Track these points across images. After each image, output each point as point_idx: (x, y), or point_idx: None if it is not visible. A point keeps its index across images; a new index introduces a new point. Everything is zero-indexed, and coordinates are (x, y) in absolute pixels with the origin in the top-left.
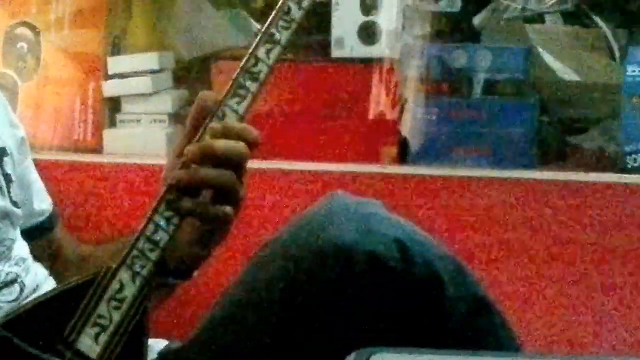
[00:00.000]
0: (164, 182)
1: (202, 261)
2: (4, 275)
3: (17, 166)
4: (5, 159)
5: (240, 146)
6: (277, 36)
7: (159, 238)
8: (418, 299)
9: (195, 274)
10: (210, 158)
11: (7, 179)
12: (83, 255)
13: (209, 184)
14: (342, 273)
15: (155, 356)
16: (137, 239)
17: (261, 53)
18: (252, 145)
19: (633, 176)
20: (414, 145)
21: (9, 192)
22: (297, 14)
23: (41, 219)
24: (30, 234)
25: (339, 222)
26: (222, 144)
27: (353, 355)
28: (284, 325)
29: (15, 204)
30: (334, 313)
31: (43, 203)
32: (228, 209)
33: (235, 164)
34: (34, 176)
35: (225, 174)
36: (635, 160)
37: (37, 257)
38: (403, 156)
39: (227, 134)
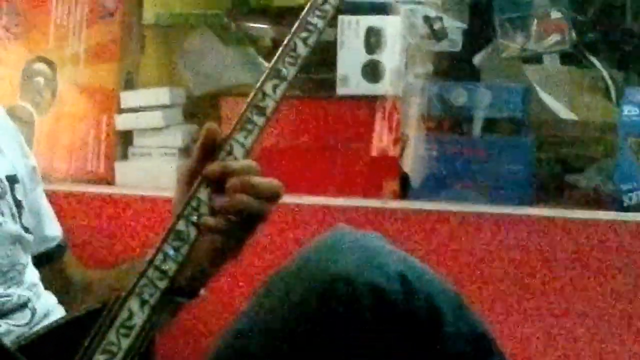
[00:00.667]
0: (173, 212)
1: (210, 279)
2: (16, 298)
3: (28, 193)
4: (17, 185)
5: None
6: (284, 72)
7: (167, 267)
8: (418, 332)
9: (202, 292)
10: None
11: (19, 205)
12: (90, 281)
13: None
14: (344, 305)
15: None
16: (146, 268)
17: (268, 88)
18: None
19: (629, 214)
20: (415, 180)
21: (20, 218)
22: (303, 50)
23: (51, 245)
24: (40, 260)
25: (342, 254)
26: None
27: None
28: (289, 356)
29: (26, 229)
30: (337, 344)
31: (53, 230)
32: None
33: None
34: (44, 204)
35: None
36: (630, 199)
37: (45, 283)
38: (404, 191)
39: (245, 187)
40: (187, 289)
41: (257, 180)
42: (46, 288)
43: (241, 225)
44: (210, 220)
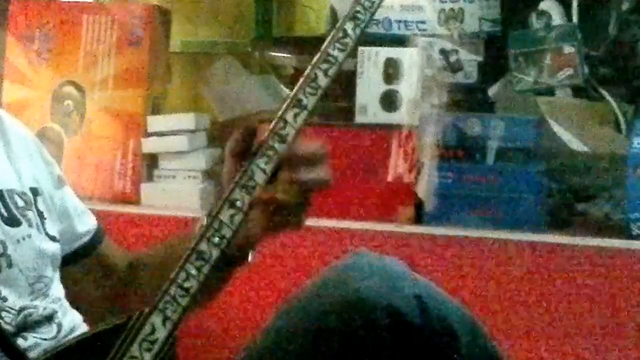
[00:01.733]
0: (195, 232)
1: (259, 244)
2: (41, 310)
3: (55, 200)
4: (38, 197)
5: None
6: (304, 101)
7: (189, 285)
8: (433, 355)
9: (250, 258)
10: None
11: (41, 216)
12: (133, 264)
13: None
14: (362, 326)
15: None
16: (169, 286)
17: (289, 116)
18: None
19: (638, 242)
20: (429, 206)
21: (44, 228)
22: (323, 81)
23: (86, 238)
24: (77, 255)
25: (362, 278)
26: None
27: None
28: None
29: (52, 238)
30: None
31: (85, 225)
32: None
33: None
34: (73, 203)
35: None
36: (639, 227)
37: (87, 276)
38: (418, 216)
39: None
40: (237, 254)
41: (308, 174)
42: (91, 280)
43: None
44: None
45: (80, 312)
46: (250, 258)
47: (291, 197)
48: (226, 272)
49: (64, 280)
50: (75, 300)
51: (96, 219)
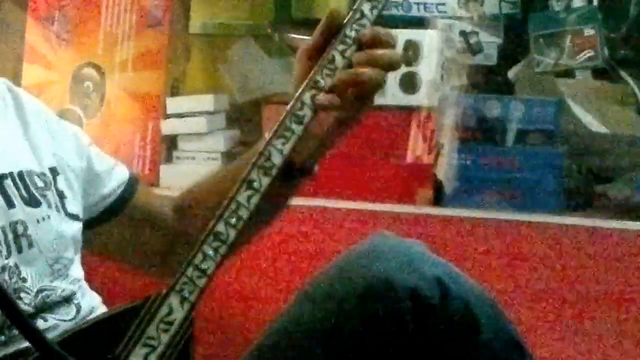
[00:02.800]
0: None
1: (325, 154)
2: (60, 291)
3: (80, 171)
4: (58, 177)
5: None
6: (321, 82)
7: (206, 266)
8: (454, 336)
9: (316, 168)
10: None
11: (61, 195)
12: (180, 205)
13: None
14: (384, 307)
15: None
16: (186, 267)
17: (306, 98)
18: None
19: None
20: (448, 188)
21: (64, 208)
22: (340, 62)
23: (118, 192)
24: (111, 211)
25: (384, 259)
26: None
27: None
28: (330, 355)
29: (73, 216)
30: (376, 346)
31: (114, 180)
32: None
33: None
34: (99, 163)
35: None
36: None
37: (130, 226)
38: (437, 198)
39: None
40: (303, 166)
41: (381, 52)
42: (133, 231)
43: (358, 97)
44: (324, 99)
45: (134, 267)
46: (316, 168)
47: (379, 77)
48: (292, 186)
49: (106, 241)
50: (122, 259)
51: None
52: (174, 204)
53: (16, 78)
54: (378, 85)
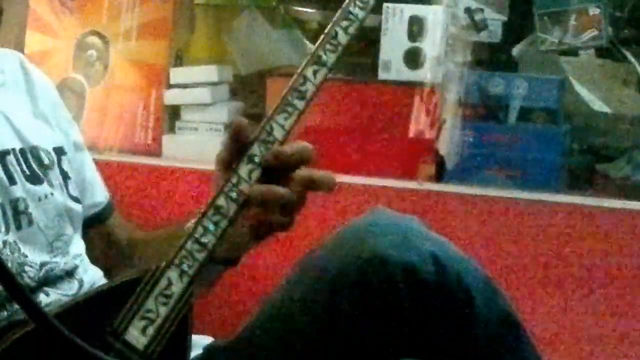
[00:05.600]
0: (214, 188)
1: (250, 249)
2: (62, 265)
3: (72, 163)
4: (63, 157)
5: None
6: (324, 58)
7: (206, 240)
8: (449, 311)
9: (242, 259)
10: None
11: (65, 176)
12: (135, 241)
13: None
14: (380, 281)
15: (201, 350)
16: (186, 240)
17: (309, 73)
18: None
19: None
20: (450, 164)
21: (67, 188)
22: (343, 38)
23: (95, 210)
24: (84, 224)
25: (380, 234)
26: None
27: None
28: (324, 330)
29: (74, 198)
30: (372, 319)
31: (97, 196)
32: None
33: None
34: (89, 172)
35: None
36: None
37: (93, 245)
38: (439, 174)
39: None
40: (227, 257)
41: (318, 175)
42: (93, 249)
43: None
44: (249, 190)
45: None
46: (241, 260)
47: (298, 197)
48: (214, 274)
49: None
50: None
51: (107, 194)
52: (130, 237)
53: (19, 45)
54: (300, 204)
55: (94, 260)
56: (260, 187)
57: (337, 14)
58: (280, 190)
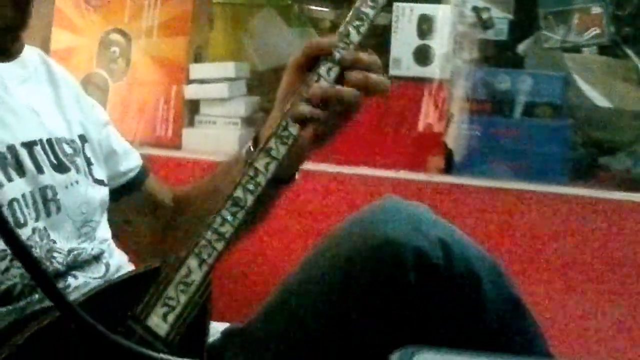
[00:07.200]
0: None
1: (303, 163)
2: (89, 250)
3: (102, 142)
4: (86, 144)
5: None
6: (337, 57)
7: (224, 230)
8: (457, 295)
9: (297, 176)
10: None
11: (88, 162)
12: (178, 198)
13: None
14: (390, 266)
15: (219, 335)
16: (205, 231)
17: (322, 71)
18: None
19: None
20: (458, 156)
21: (91, 173)
22: (355, 37)
23: (131, 175)
24: (122, 190)
25: (391, 221)
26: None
27: (397, 353)
28: (336, 313)
29: (99, 182)
30: (383, 302)
31: (130, 162)
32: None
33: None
34: (118, 143)
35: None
36: None
37: (135, 210)
38: (448, 167)
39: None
40: (284, 175)
41: (374, 78)
42: (136, 214)
43: (340, 114)
44: (308, 111)
45: (129, 248)
46: (297, 177)
47: (355, 98)
48: (274, 193)
49: (113, 216)
50: (123, 235)
51: (141, 158)
52: (175, 196)
53: (46, 42)
54: (358, 106)
55: (140, 227)
56: (320, 85)
57: (350, 14)
58: (342, 89)
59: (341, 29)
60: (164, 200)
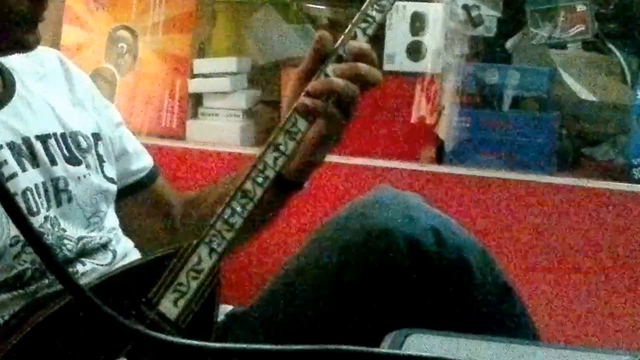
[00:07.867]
0: (290, 92)
1: (314, 169)
2: (97, 239)
3: (114, 141)
4: (99, 142)
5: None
6: (345, 57)
7: (234, 221)
8: (449, 280)
9: (306, 184)
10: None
11: (100, 159)
12: (186, 200)
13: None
14: (384, 253)
15: (223, 317)
16: (215, 221)
17: (329, 70)
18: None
19: (638, 186)
20: (449, 147)
21: (102, 170)
22: (362, 39)
23: (141, 174)
24: (132, 189)
25: (385, 209)
26: (341, 83)
27: (391, 335)
28: (334, 297)
29: (109, 179)
30: (377, 288)
31: (140, 162)
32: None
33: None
34: (129, 142)
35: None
36: None
37: (143, 208)
38: (439, 157)
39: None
40: (294, 180)
41: (365, 68)
42: (144, 214)
43: (339, 109)
44: (309, 102)
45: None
46: (305, 185)
47: (349, 89)
48: (283, 199)
49: (121, 214)
50: (130, 233)
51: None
52: (184, 198)
53: (56, 39)
54: (352, 98)
55: (147, 226)
56: (320, 80)
57: (356, 16)
58: (339, 80)
59: (348, 30)
60: (171, 202)
